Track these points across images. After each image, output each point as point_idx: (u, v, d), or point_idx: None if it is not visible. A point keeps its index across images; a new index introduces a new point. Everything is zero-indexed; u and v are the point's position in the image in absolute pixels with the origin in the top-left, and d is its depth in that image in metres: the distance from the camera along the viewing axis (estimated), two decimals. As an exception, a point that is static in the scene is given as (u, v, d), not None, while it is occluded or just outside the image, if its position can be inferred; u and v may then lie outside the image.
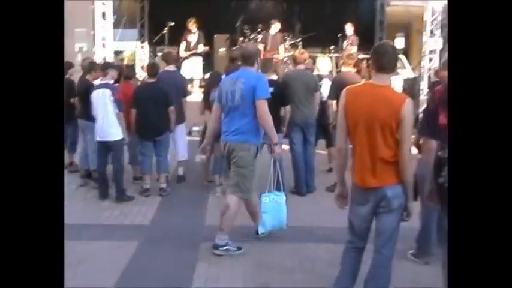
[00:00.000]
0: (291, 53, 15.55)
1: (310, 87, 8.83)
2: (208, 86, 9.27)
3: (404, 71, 16.64)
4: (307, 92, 8.79)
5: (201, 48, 14.87)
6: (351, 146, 4.54)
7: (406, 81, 14.62)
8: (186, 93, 9.66)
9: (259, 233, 6.62)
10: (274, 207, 6.54)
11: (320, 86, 9.15)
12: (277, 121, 8.25)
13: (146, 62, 15.48)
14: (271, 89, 8.09)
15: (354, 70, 9.03)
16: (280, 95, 8.26)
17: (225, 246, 6.29)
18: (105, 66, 8.97)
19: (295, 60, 9.31)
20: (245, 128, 6.25)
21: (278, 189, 6.77)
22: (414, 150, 4.76)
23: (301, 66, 9.09)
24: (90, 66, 9.55)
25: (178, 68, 12.89)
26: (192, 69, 14.81)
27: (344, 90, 4.56)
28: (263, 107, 6.17)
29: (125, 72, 9.82)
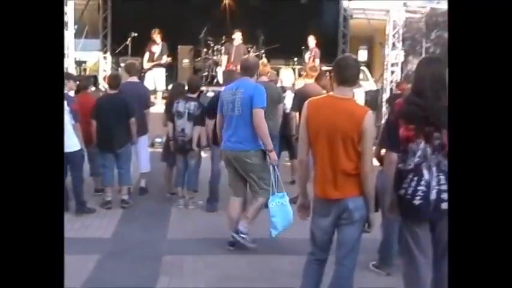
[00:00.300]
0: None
1: (274, 99, 8.87)
2: (171, 98, 9.27)
3: (367, 83, 16.85)
4: (271, 104, 8.81)
5: (164, 59, 14.84)
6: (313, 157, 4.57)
7: (368, 93, 14.81)
8: (149, 104, 9.59)
9: (273, 235, 6.64)
10: (281, 209, 6.61)
11: (283, 97, 9.21)
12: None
13: (109, 73, 15.35)
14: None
15: (312, 81, 9.11)
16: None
17: (245, 234, 6.62)
18: (64, 76, 8.85)
19: (259, 73, 9.36)
20: (248, 136, 6.52)
21: (279, 191, 6.83)
22: (375, 163, 4.80)
23: (264, 78, 9.13)
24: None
25: (141, 79, 12.84)
26: (155, 80, 14.76)
27: (306, 102, 4.58)
28: (259, 115, 6.44)
29: (82, 82, 9.71)
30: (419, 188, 4.28)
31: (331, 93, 4.57)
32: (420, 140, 4.27)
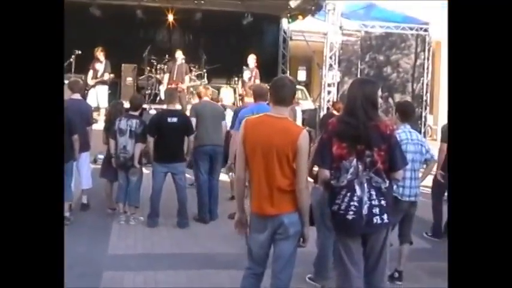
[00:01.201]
0: (197, 83, 15.67)
1: (217, 116, 8.93)
2: (110, 116, 9.21)
3: (306, 103, 17.06)
4: (215, 121, 8.89)
5: (107, 76, 14.71)
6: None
7: (306, 112, 14.98)
8: (91, 121, 9.46)
9: None
10: None
11: (225, 115, 9.26)
12: (181, 151, 8.35)
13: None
14: (175, 119, 8.20)
15: (252, 100, 9.18)
16: (185, 125, 8.36)
17: None
18: None
19: (199, 95, 9.43)
20: None
21: None
22: (310, 179, 4.86)
23: (206, 98, 9.20)
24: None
25: (85, 96, 12.67)
26: (98, 97, 14.59)
27: (243, 121, 4.61)
28: None
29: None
30: (351, 203, 4.35)
31: (267, 112, 4.61)
32: (352, 158, 4.35)
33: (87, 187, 9.29)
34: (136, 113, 8.63)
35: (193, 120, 8.73)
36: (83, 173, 9.20)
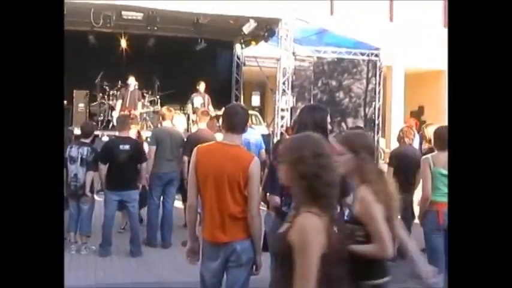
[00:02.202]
0: (150, 109, 15.61)
1: (176, 142, 8.92)
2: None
3: (260, 128, 17.11)
4: (173, 147, 8.86)
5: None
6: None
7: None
8: None
9: None
10: None
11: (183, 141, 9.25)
12: (134, 178, 8.29)
13: None
14: (127, 147, 8.15)
15: (204, 125, 9.23)
16: (137, 153, 8.32)
17: None
18: None
19: (163, 117, 9.38)
20: None
21: None
22: (263, 205, 4.87)
23: (167, 123, 9.17)
24: None
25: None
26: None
27: (195, 148, 4.61)
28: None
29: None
30: None
31: (219, 139, 4.62)
32: None
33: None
34: (88, 140, 8.54)
35: (153, 148, 8.69)
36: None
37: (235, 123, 4.51)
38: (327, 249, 2.79)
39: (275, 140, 13.85)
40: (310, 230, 2.77)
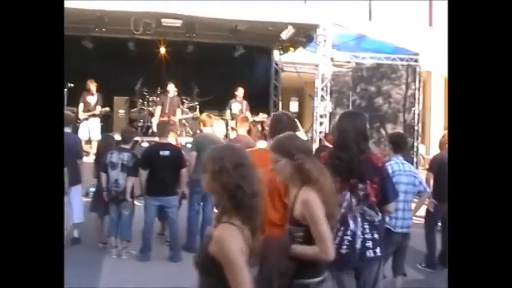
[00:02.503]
0: (189, 115, 15.67)
1: None
2: (100, 149, 9.20)
3: (298, 134, 17.00)
4: None
5: (98, 109, 14.72)
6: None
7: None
8: (81, 154, 9.42)
9: None
10: None
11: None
12: (173, 184, 8.31)
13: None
14: (167, 152, 8.18)
15: (244, 131, 9.21)
16: (177, 158, 8.34)
17: None
18: None
19: (204, 123, 9.40)
20: None
21: None
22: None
23: (208, 130, 9.19)
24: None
25: (76, 129, 12.64)
26: (90, 130, 14.59)
27: None
28: None
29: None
30: (345, 237, 4.35)
31: (263, 146, 4.62)
32: (345, 192, 4.34)
33: (79, 221, 9.19)
34: (128, 146, 8.60)
35: (194, 155, 8.70)
36: (74, 207, 9.11)
37: (278, 131, 4.46)
38: (246, 260, 2.83)
39: (313, 146, 13.81)
40: (228, 239, 2.81)
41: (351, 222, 4.34)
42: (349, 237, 4.33)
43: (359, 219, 4.35)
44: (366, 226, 4.36)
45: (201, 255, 2.98)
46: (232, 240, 2.81)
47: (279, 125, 4.58)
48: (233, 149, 3.15)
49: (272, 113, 4.87)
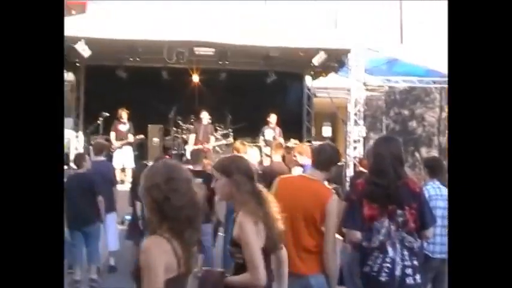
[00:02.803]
0: (222, 142, 15.66)
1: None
2: (136, 177, 9.19)
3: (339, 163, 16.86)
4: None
5: (131, 137, 14.81)
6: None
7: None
8: (115, 182, 9.48)
9: None
10: None
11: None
12: (209, 211, 8.24)
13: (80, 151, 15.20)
14: (200, 180, 8.13)
15: (279, 158, 9.15)
16: (211, 185, 8.28)
17: None
18: None
19: (237, 151, 9.37)
20: None
21: None
22: (339, 237, 4.76)
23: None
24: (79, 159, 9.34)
25: (110, 157, 12.72)
26: (124, 158, 14.66)
27: (277, 179, 4.64)
28: None
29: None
30: (384, 265, 4.26)
31: (303, 173, 4.63)
32: (384, 218, 4.27)
33: (114, 249, 9.20)
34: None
35: None
36: (110, 235, 9.13)
37: (319, 159, 4.55)
38: (176, 271, 2.93)
39: (347, 171, 13.68)
40: (154, 252, 2.90)
41: (390, 250, 4.26)
42: (388, 265, 4.24)
43: (398, 246, 4.27)
44: (405, 253, 4.27)
45: (134, 265, 3.07)
46: (156, 251, 2.90)
47: (322, 154, 4.59)
48: (165, 164, 3.22)
49: (318, 144, 4.93)
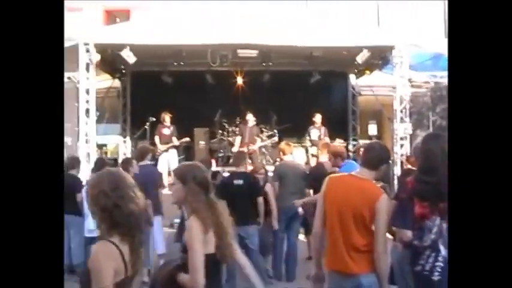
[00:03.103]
0: (267, 142, 15.64)
1: (298, 176, 8.83)
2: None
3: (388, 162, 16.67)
4: (297, 182, 8.78)
5: (176, 141, 14.90)
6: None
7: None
8: (161, 185, 9.55)
9: None
10: None
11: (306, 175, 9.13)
12: (250, 213, 8.18)
13: (127, 156, 15.38)
14: (241, 181, 8.10)
15: (326, 158, 9.07)
16: (251, 187, 8.25)
17: None
18: (101, 164, 8.87)
19: (283, 152, 9.36)
20: None
21: None
22: (389, 236, 4.67)
23: (288, 157, 9.12)
24: (72, 162, 9.47)
25: (156, 161, 12.82)
26: (169, 162, 14.72)
27: (327, 178, 4.61)
28: None
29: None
30: (437, 263, 4.22)
31: (353, 172, 4.56)
32: (435, 217, 4.19)
33: (161, 252, 9.25)
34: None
35: (276, 184, 8.65)
36: (157, 238, 9.19)
37: (368, 158, 4.47)
38: (124, 274, 3.05)
39: (394, 169, 13.48)
40: (102, 257, 3.01)
41: (442, 248, 4.18)
42: (441, 264, 4.19)
43: None
44: (458, 251, 4.15)
45: (83, 269, 3.21)
46: (104, 256, 3.01)
47: (371, 153, 4.52)
48: (111, 172, 3.34)
49: (367, 142, 4.88)
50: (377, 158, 4.44)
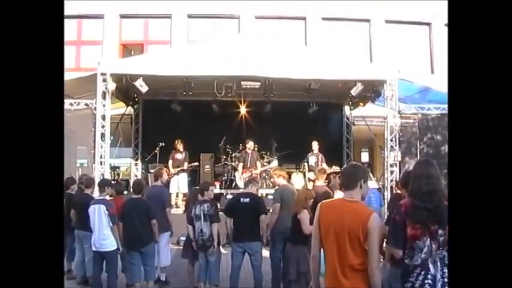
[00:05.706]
0: (267, 167, 15.67)
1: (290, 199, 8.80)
2: (188, 202, 9.26)
3: (370, 183, 16.61)
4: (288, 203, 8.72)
5: (186, 165, 15.08)
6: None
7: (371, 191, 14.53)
8: (169, 205, 9.65)
9: None
10: None
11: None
12: (255, 231, 8.14)
13: (138, 178, 15.38)
14: (247, 200, 8.10)
15: (322, 183, 9.02)
16: (257, 205, 8.24)
17: None
18: (104, 183, 8.96)
19: (276, 175, 9.32)
20: None
21: None
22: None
23: (280, 180, 9.07)
24: (88, 182, 9.48)
25: (168, 183, 12.81)
26: (179, 184, 14.96)
27: (319, 204, 4.54)
28: None
29: (117, 188, 9.80)
30: (426, 281, 4.17)
31: (341, 196, 4.51)
32: (426, 238, 4.19)
33: (165, 264, 9.25)
34: (207, 198, 8.49)
35: (278, 206, 8.60)
36: (162, 252, 9.19)
37: (346, 181, 4.47)
38: None
39: (385, 194, 13.41)
40: None
41: (431, 267, 4.18)
42: (429, 281, 4.14)
43: (439, 264, 4.16)
44: (446, 270, 4.12)
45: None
46: None
47: (346, 175, 4.58)
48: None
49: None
50: (353, 177, 4.40)
